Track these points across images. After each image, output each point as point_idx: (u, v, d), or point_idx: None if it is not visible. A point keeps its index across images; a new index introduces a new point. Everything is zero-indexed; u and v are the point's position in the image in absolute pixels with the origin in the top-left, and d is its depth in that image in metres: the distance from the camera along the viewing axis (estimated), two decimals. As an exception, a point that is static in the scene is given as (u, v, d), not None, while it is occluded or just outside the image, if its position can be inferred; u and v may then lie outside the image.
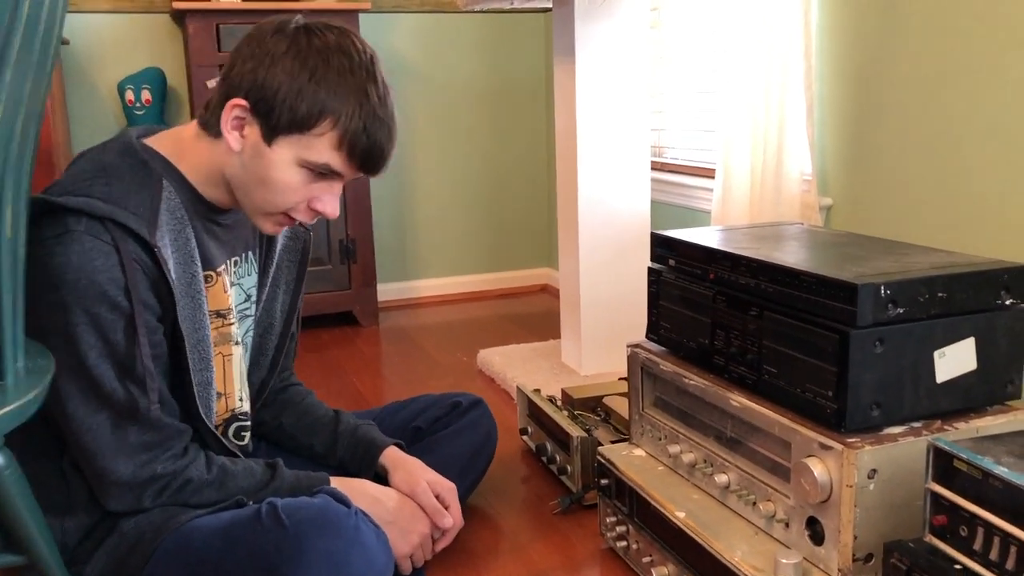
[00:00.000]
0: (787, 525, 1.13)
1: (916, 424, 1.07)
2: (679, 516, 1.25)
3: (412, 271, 3.28)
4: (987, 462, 0.85)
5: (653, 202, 2.31)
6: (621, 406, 1.80)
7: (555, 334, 2.54)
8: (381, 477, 1.42)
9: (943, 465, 0.89)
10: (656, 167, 2.56)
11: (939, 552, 0.90)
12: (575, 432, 1.65)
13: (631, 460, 1.44)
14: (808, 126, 1.91)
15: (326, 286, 2.84)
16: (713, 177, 2.19)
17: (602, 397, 1.85)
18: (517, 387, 1.96)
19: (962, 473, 0.87)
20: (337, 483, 1.29)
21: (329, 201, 1.19)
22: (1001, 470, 0.83)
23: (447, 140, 3.23)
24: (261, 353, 1.42)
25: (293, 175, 1.15)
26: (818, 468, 1.05)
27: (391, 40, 3.10)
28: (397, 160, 3.30)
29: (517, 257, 3.40)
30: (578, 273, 2.23)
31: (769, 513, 1.15)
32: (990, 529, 0.84)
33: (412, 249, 3.27)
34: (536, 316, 3.01)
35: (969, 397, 1.11)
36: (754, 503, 1.19)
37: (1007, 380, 1.12)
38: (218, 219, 1.25)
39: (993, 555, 0.84)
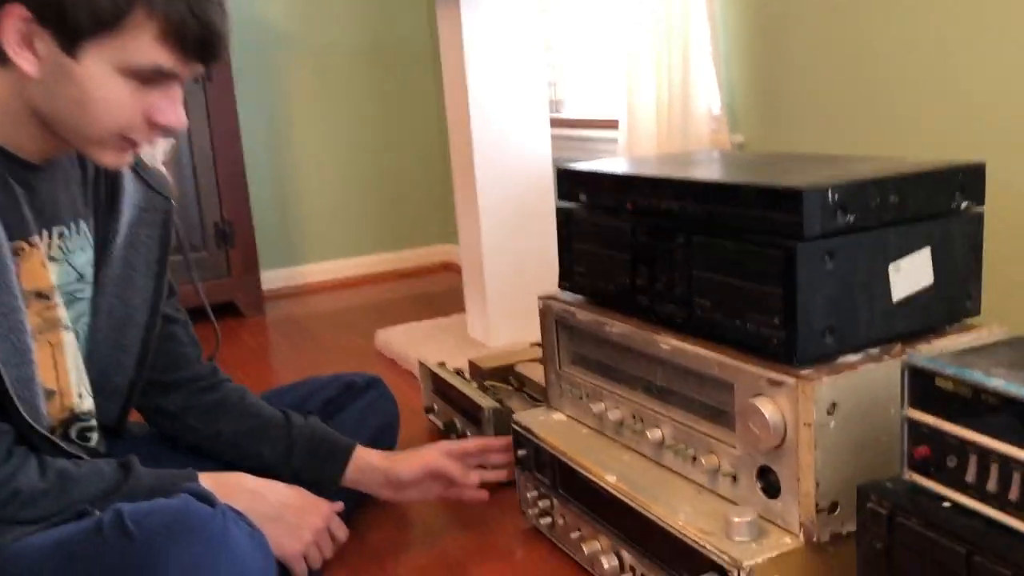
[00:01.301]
0: (735, 479, 0.98)
1: (873, 350, 0.94)
2: (609, 481, 1.09)
3: (299, 255, 3.04)
4: (978, 375, 0.71)
5: (555, 160, 2.15)
6: (536, 372, 1.63)
7: (460, 311, 2.36)
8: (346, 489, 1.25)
9: (923, 387, 0.75)
10: (555, 123, 2.40)
11: (923, 490, 0.76)
12: (486, 403, 1.48)
13: (550, 425, 1.27)
14: (714, 57, 1.77)
15: (202, 274, 2.57)
16: (616, 128, 2.04)
17: (514, 365, 1.68)
18: (420, 362, 1.77)
19: (946, 394, 0.73)
20: (207, 479, 1.07)
21: (170, 109, 0.97)
22: (996, 382, 0.69)
23: (328, 110, 3.00)
24: (121, 350, 1.18)
25: (116, 88, 0.92)
26: (768, 409, 0.90)
27: (259, 6, 2.85)
28: (274, 134, 3.07)
29: (415, 234, 3.20)
30: (479, 239, 2.05)
31: (712, 467, 1.00)
32: (985, 455, 0.70)
33: (297, 231, 3.03)
34: (439, 295, 2.82)
35: (927, 316, 0.98)
36: (694, 458, 1.04)
37: (965, 295, 1.00)
38: (29, 177, 1.01)
39: (991, 485, 0.70)
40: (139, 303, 1.18)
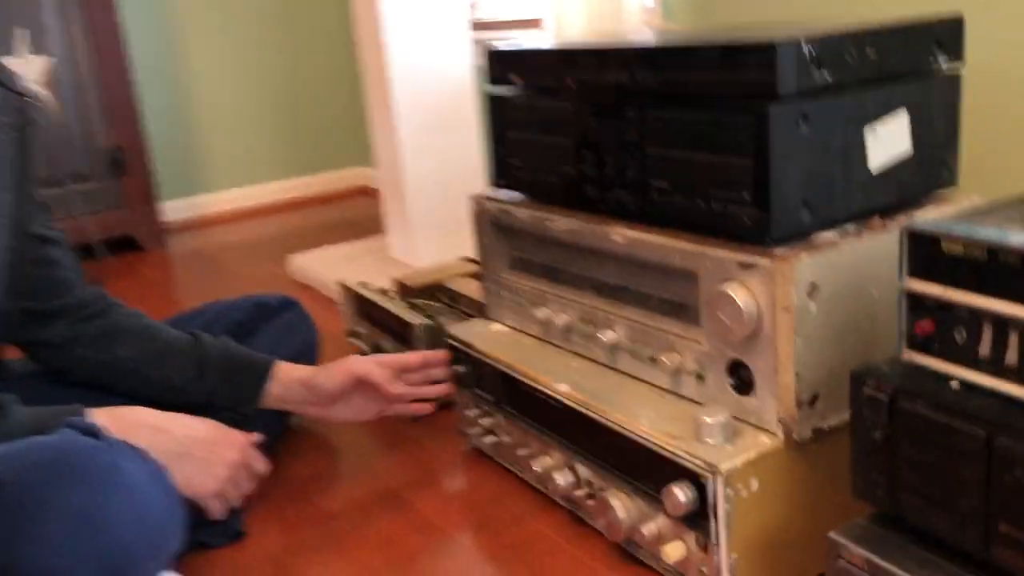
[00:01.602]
0: (700, 378, 0.89)
1: (850, 227, 0.84)
2: (560, 390, 0.98)
3: (202, 183, 2.82)
4: (993, 234, 0.62)
5: (477, 67, 1.99)
6: (470, 287, 1.51)
7: (381, 235, 2.21)
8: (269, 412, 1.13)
9: (925, 254, 0.66)
10: (473, 26, 2.24)
11: (927, 370, 0.67)
12: (417, 320, 1.35)
13: (490, 337, 1.15)
14: (645, -59, 1.64)
15: (93, 206, 2.36)
16: (539, 27, 1.90)
17: (444, 281, 1.56)
18: (340, 283, 1.63)
19: (954, 259, 0.64)
20: (101, 415, 0.92)
21: None
22: (1018, 238, 0.60)
23: (225, 23, 2.76)
24: None
25: None
26: (741, 295, 0.81)
27: (140, -93, 2.57)
28: (167, 51, 2.81)
29: (327, 158, 3.01)
30: (397, 152, 1.89)
31: (675, 367, 0.91)
32: (1003, 324, 0.61)
33: (199, 158, 2.81)
34: (357, 221, 2.65)
35: (904, 188, 0.89)
36: (653, 359, 0.94)
37: (942, 163, 0.91)
38: None
39: (1011, 357, 0.61)
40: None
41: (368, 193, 2.95)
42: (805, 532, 0.85)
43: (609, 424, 0.91)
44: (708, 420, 0.82)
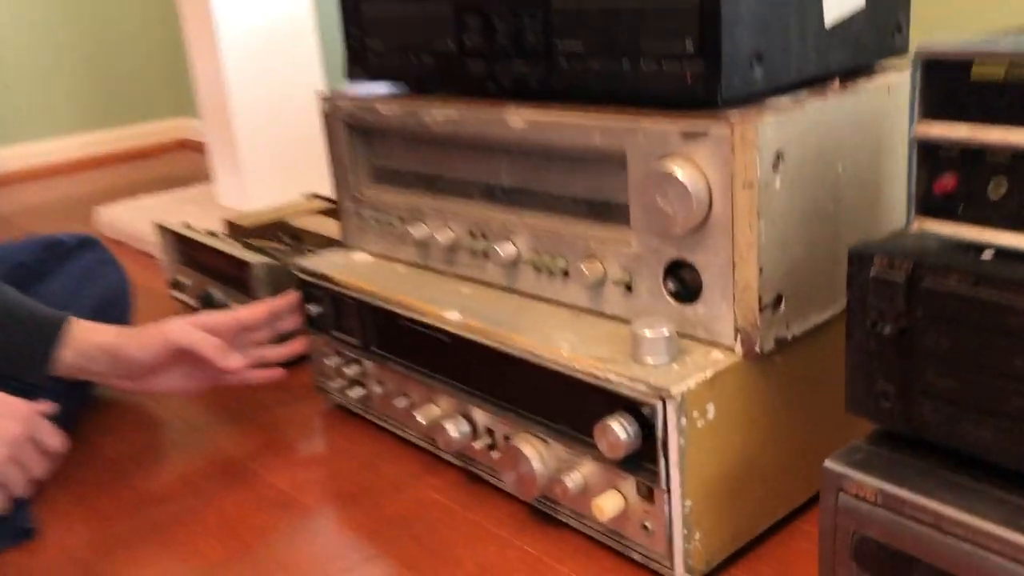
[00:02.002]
0: (628, 288, 0.71)
1: (802, 93, 0.69)
2: (451, 319, 0.79)
3: (-12, 134, 2.42)
4: (1049, 43, 0.47)
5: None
6: (317, 224, 1.29)
7: (208, 184, 1.92)
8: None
9: (945, 86, 0.50)
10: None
11: (948, 240, 0.52)
12: (254, 258, 1.12)
13: (352, 268, 0.94)
14: None
15: None
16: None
17: (285, 220, 1.32)
18: (158, 225, 1.36)
19: (984, 89, 0.49)
20: None
21: None
22: (1088, 44, 0.45)
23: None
24: None
25: None
26: (686, 172, 0.63)
27: None
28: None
29: (140, 108, 2.64)
30: (224, 88, 1.62)
31: (596, 278, 0.73)
32: (1060, 165, 0.47)
33: (-18, 103, 2.40)
34: (178, 177, 2.33)
35: (859, 49, 0.74)
36: (566, 272, 0.75)
37: (895, 24, 0.77)
38: None
39: (1073, 208, 0.47)
40: None
41: (190, 147, 2.62)
42: (770, 469, 0.69)
43: (517, 354, 0.72)
44: (648, 334, 0.65)
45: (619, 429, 0.63)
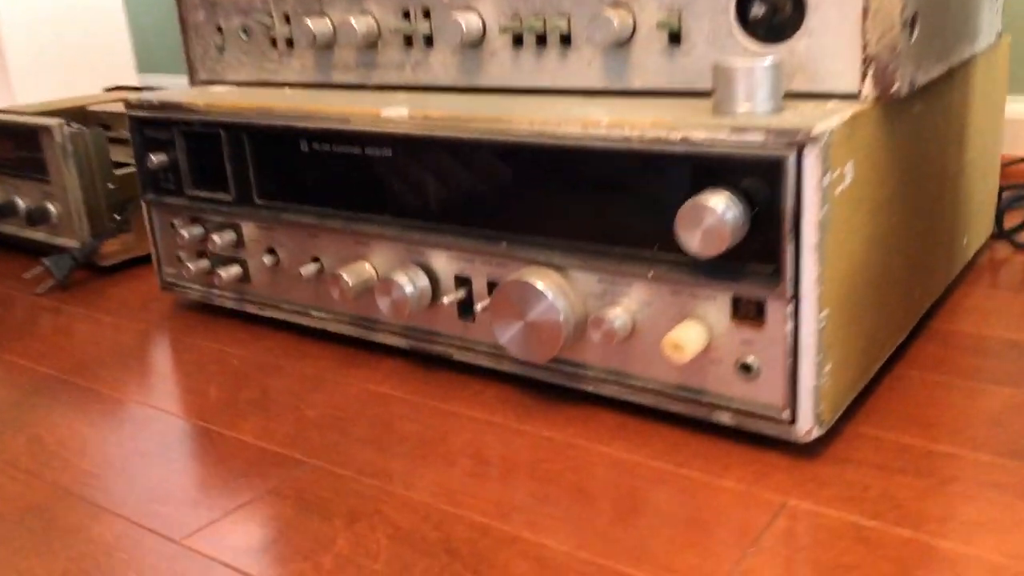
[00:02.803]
0: (675, 38, 0.49)
1: None
2: (397, 116, 0.53)
3: None
4: None
5: None
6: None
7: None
8: None
9: None
10: None
11: None
12: (53, 122, 0.80)
13: (218, 96, 0.66)
14: None
15: None
16: None
17: (86, 108, 1.00)
18: None
19: None
20: None
21: None
22: None
23: None
24: None
25: None
26: None
27: None
28: None
29: None
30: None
31: (624, 27, 0.50)
32: None
33: None
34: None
35: None
36: (565, 38, 0.52)
37: None
38: None
39: None
40: None
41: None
42: (901, 270, 0.49)
43: (523, 141, 0.48)
44: (743, 66, 0.43)
45: (720, 206, 0.41)
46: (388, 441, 0.50)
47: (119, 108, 0.99)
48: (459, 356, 0.56)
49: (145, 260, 0.84)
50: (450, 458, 0.47)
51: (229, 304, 0.67)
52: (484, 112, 0.50)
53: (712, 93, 0.44)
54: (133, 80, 1.44)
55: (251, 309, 0.66)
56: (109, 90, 1.15)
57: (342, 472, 0.47)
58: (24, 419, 0.55)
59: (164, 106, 0.64)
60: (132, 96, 0.67)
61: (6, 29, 1.30)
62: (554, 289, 0.48)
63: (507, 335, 0.50)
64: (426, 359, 0.59)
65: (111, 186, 0.82)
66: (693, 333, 0.44)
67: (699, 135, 0.42)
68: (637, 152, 0.44)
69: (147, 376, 0.60)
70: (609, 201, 0.46)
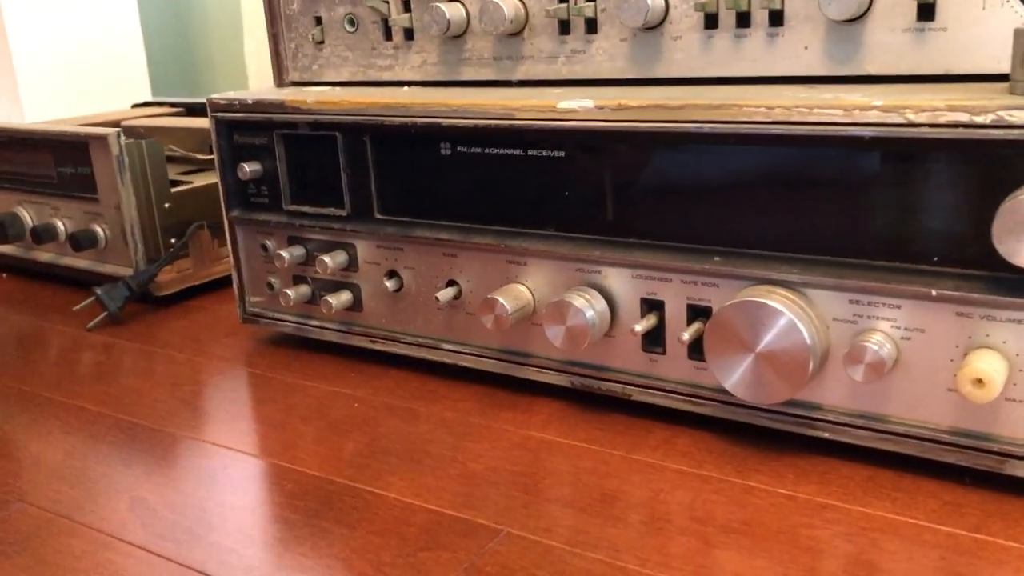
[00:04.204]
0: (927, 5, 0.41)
1: None
2: (578, 107, 0.44)
3: None
4: None
5: None
6: (184, 123, 0.89)
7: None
8: None
9: None
10: None
11: None
12: (109, 131, 0.70)
13: (325, 95, 0.57)
14: None
15: None
16: None
17: (121, 123, 0.90)
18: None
19: None
20: None
21: None
22: None
23: None
24: None
25: None
26: None
27: None
28: None
29: None
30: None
31: None
32: None
33: None
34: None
35: None
36: (777, 12, 0.44)
37: None
38: None
39: None
40: None
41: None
42: None
43: (758, 131, 0.40)
44: None
45: (1060, 205, 0.33)
46: (587, 500, 0.40)
47: (160, 122, 0.90)
48: (639, 396, 0.47)
49: (201, 290, 0.74)
50: (681, 525, 0.38)
51: (330, 337, 0.58)
52: (698, 99, 0.41)
53: (1009, 74, 0.36)
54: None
55: (360, 343, 0.57)
56: (137, 106, 1.06)
57: (550, 543, 0.37)
58: (118, 478, 0.45)
59: (261, 106, 0.55)
60: (218, 96, 0.58)
61: (18, 45, 1.20)
62: (796, 311, 0.40)
63: (731, 370, 0.41)
64: (587, 399, 0.50)
65: (167, 205, 0.72)
66: (998, 364, 0.36)
67: (1021, 116, 0.34)
68: (928, 140, 0.36)
69: (255, 423, 0.51)
70: (869, 203, 0.38)
